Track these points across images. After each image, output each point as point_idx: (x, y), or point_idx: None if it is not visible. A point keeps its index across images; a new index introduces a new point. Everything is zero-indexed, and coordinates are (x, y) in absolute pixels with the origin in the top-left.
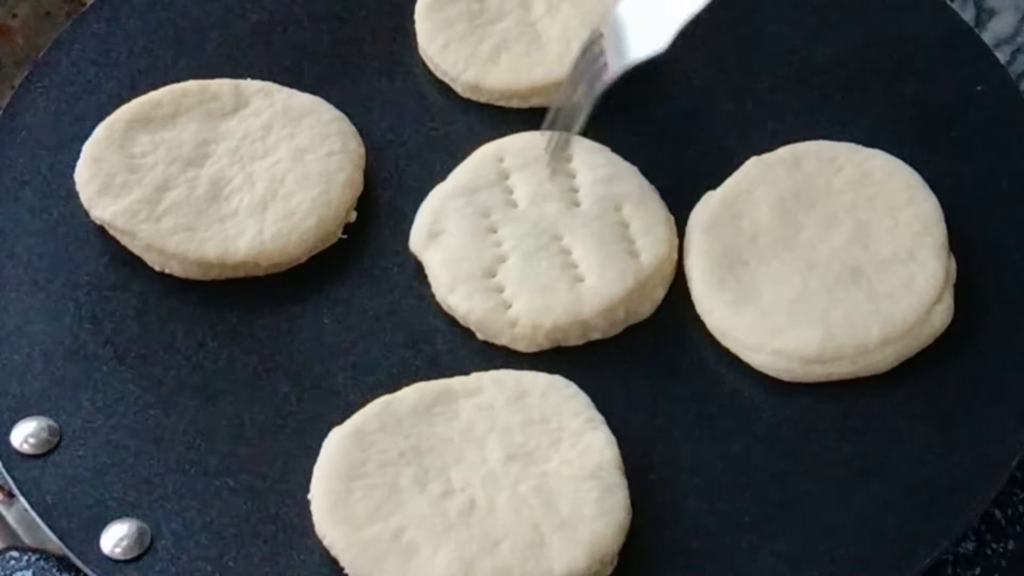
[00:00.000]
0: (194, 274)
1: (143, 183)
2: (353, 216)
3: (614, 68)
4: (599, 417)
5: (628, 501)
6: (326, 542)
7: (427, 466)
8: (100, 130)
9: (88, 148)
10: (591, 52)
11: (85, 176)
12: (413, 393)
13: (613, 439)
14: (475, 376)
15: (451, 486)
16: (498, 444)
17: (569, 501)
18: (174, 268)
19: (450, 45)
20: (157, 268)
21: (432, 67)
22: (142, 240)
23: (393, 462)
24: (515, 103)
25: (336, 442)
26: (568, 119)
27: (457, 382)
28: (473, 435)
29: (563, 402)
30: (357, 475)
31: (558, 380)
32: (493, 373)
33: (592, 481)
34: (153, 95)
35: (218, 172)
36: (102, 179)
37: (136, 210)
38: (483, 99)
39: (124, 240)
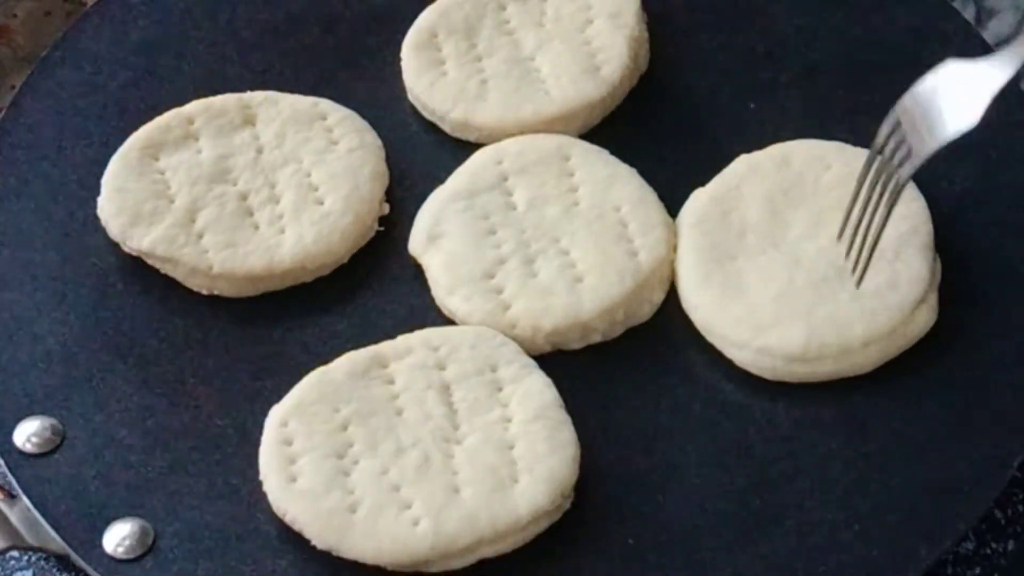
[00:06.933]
0: (244, 290)
1: (173, 207)
2: (386, 208)
3: (925, 149)
4: (532, 362)
5: (575, 436)
6: (287, 519)
7: (374, 428)
8: (115, 161)
9: (108, 181)
10: (892, 140)
11: (112, 209)
12: (345, 362)
13: (549, 380)
14: (402, 338)
15: (402, 444)
16: (440, 400)
17: (521, 444)
18: (223, 288)
19: (437, 83)
20: (205, 292)
21: (419, 106)
22: (186, 265)
23: (339, 429)
24: None
25: (277, 418)
26: (872, 221)
27: (386, 346)
28: (413, 394)
29: (494, 351)
30: (305, 449)
31: (485, 331)
32: (419, 332)
33: (539, 422)
34: (160, 120)
35: (243, 185)
36: (130, 210)
37: (173, 236)
38: (472, 137)
39: (166, 268)
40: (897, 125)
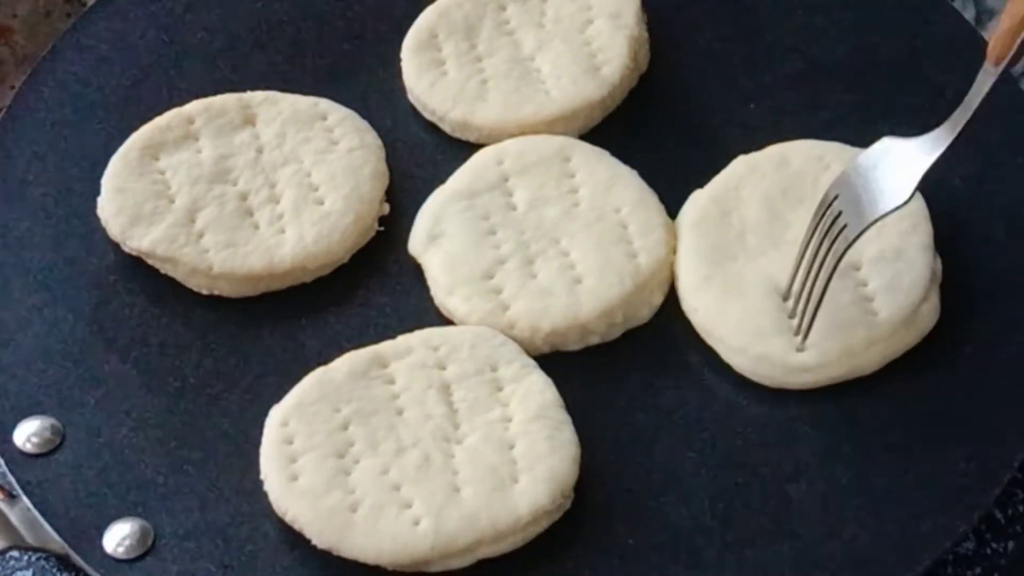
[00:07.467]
0: (244, 290)
1: (173, 207)
2: (386, 208)
3: (859, 224)
4: (532, 361)
5: (575, 435)
6: (288, 519)
7: (374, 427)
8: (115, 161)
9: (108, 181)
10: (828, 215)
11: (111, 209)
12: (346, 362)
13: (549, 380)
14: (402, 338)
15: (402, 443)
16: (440, 399)
17: (522, 443)
18: (223, 288)
19: (437, 84)
20: (205, 292)
21: (419, 107)
22: (186, 265)
23: (339, 429)
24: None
25: (278, 418)
26: (812, 291)
27: (386, 346)
28: (413, 394)
29: (494, 351)
30: (305, 448)
31: (485, 331)
32: (419, 332)
33: (540, 422)
34: (160, 120)
35: (244, 185)
36: (130, 210)
37: (174, 235)
38: (472, 137)
39: (166, 268)
40: (836, 198)
